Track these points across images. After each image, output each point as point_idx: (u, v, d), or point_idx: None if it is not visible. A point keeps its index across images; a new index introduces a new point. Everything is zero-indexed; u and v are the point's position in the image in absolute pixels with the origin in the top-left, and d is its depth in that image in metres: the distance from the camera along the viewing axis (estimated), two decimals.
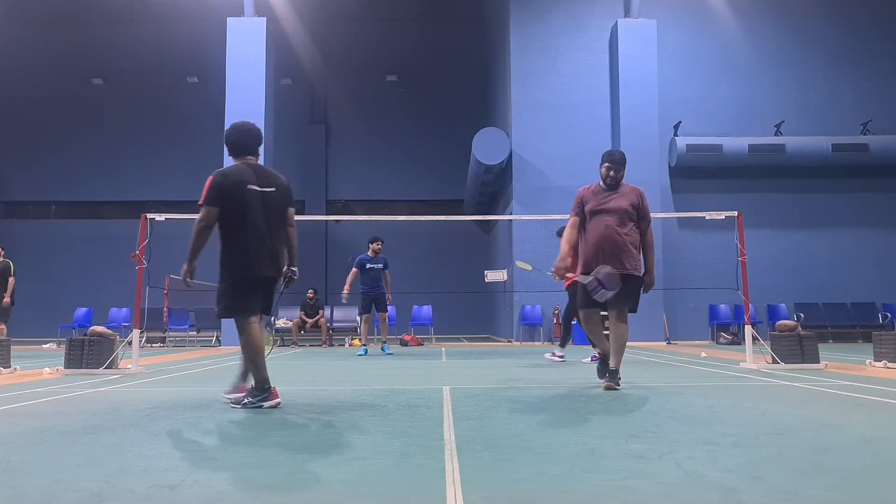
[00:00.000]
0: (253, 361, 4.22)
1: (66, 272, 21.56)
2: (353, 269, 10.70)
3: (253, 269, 4.25)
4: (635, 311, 5.25)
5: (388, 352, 10.85)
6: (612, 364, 5.17)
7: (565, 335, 8.67)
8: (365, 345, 10.83)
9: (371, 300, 10.65)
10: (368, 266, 10.60)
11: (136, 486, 2.21)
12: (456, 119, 21.70)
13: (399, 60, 22.67)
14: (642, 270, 5.25)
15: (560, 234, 9.14)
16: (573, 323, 8.39)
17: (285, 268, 4.41)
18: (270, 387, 4.24)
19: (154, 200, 20.82)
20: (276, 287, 4.45)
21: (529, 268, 9.56)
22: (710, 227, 10.60)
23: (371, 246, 10.65)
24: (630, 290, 5.17)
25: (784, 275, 15.83)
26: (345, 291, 10.59)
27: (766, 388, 5.16)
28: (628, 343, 5.46)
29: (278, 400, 4.22)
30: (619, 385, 5.10)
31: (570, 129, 15.36)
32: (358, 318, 10.93)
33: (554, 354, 8.52)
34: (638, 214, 5.26)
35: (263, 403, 4.16)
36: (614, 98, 15.32)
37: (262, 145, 4.59)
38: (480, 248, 21.26)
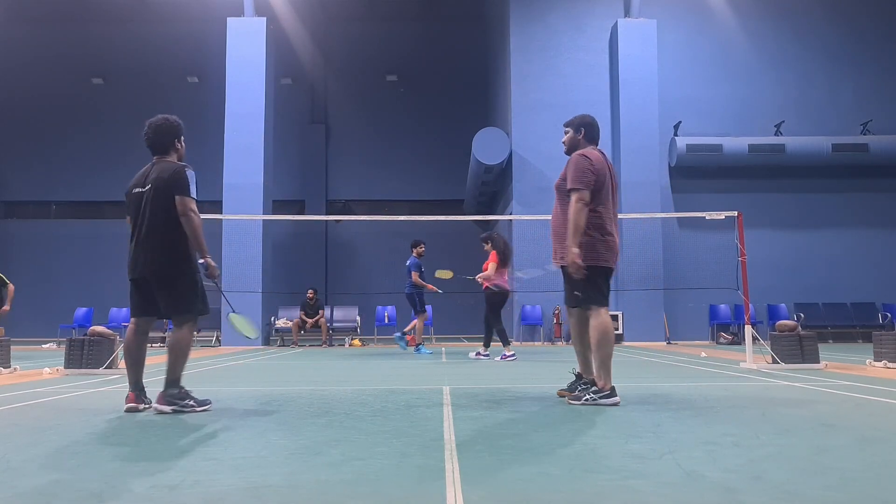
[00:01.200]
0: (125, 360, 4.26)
1: (66, 272, 21.57)
2: (417, 272, 10.90)
3: (128, 272, 4.21)
4: (591, 304, 4.32)
5: (426, 352, 10.95)
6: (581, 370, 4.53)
7: (488, 336, 9.45)
8: (420, 343, 11.10)
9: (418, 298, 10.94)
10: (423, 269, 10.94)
11: (136, 486, 2.21)
12: (456, 119, 21.69)
13: (399, 60, 22.67)
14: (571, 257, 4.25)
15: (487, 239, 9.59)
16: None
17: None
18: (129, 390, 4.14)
19: None
20: (163, 287, 4.14)
21: (450, 275, 9.61)
22: (710, 227, 10.61)
23: (419, 249, 11.01)
24: (569, 283, 4.48)
25: (784, 275, 15.83)
26: (434, 288, 10.88)
27: (766, 389, 5.16)
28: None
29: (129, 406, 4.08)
30: (578, 401, 4.24)
31: None
32: (413, 318, 11.24)
33: (479, 354, 9.34)
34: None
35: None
36: (614, 98, 15.33)
37: (177, 138, 4.42)
38: (480, 248, 21.20)
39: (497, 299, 9.35)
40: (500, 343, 9.38)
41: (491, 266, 9.36)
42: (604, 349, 4.23)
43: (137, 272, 4.14)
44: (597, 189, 4.33)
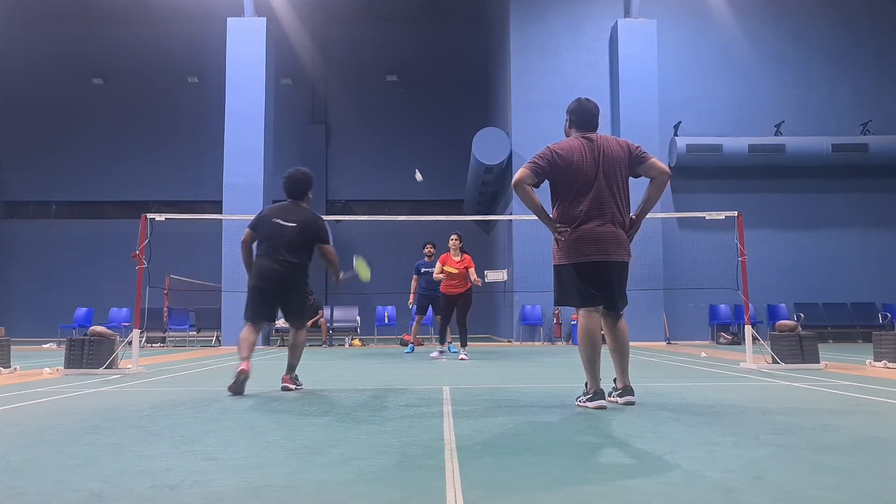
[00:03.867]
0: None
1: (66, 272, 21.58)
2: (414, 276, 10.94)
3: (257, 281, 5.48)
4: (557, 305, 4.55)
5: (453, 351, 10.85)
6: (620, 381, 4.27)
7: (443, 335, 9.93)
8: (413, 343, 11.38)
9: (428, 301, 10.87)
10: (424, 270, 10.83)
11: (136, 486, 2.21)
12: (456, 119, 21.71)
13: (399, 60, 22.68)
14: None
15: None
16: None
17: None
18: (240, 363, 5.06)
19: (154, 200, 20.85)
20: (290, 298, 5.44)
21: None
22: (710, 227, 10.59)
23: (424, 250, 10.96)
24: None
25: (784, 275, 15.83)
26: (410, 301, 11.13)
27: (766, 388, 5.16)
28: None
29: (240, 368, 4.96)
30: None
31: None
32: (413, 318, 11.35)
33: (439, 354, 9.59)
34: None
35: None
36: (614, 98, 15.32)
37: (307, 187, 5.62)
38: (480, 248, 21.25)
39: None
40: (439, 341, 9.91)
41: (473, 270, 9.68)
42: (582, 351, 4.15)
43: (272, 282, 5.34)
44: (558, 178, 4.09)
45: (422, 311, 11.04)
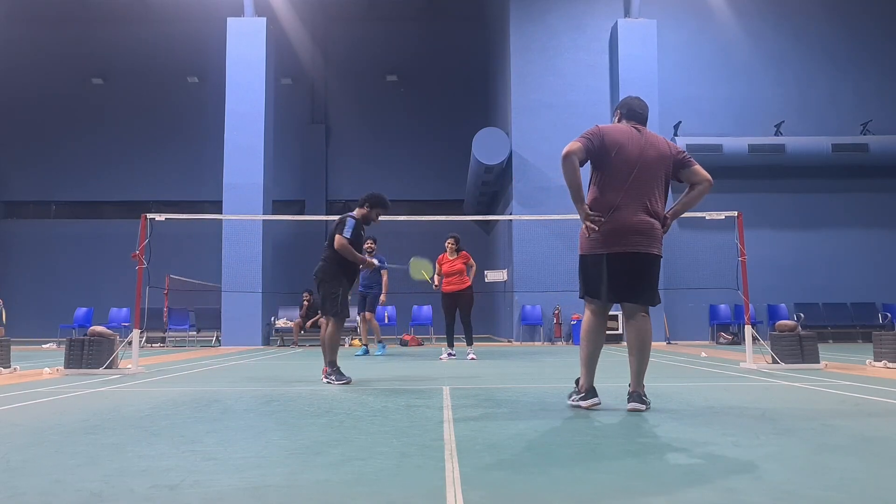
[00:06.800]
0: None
1: (66, 272, 21.57)
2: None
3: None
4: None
5: (380, 353, 10.82)
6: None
7: (450, 336, 9.73)
8: (365, 345, 10.85)
9: (363, 298, 10.73)
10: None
11: (136, 486, 2.21)
12: (456, 119, 21.70)
13: (399, 60, 22.68)
14: None
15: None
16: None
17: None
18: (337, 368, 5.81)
19: (154, 200, 20.85)
20: (321, 290, 6.00)
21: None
22: (710, 227, 10.58)
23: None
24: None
25: (784, 275, 15.83)
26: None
27: (766, 389, 5.16)
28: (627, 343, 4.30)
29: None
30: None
31: (570, 129, 15.33)
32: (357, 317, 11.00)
33: (447, 356, 9.38)
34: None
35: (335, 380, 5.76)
36: (614, 98, 15.32)
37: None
38: (481, 248, 21.25)
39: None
40: (448, 343, 9.74)
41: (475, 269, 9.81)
42: (583, 347, 4.03)
43: (315, 277, 6.03)
44: (601, 159, 3.93)
45: (360, 308, 10.76)
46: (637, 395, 3.93)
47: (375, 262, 6.00)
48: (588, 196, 4.00)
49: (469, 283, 9.66)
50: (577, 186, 3.86)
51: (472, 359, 9.05)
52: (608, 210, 3.87)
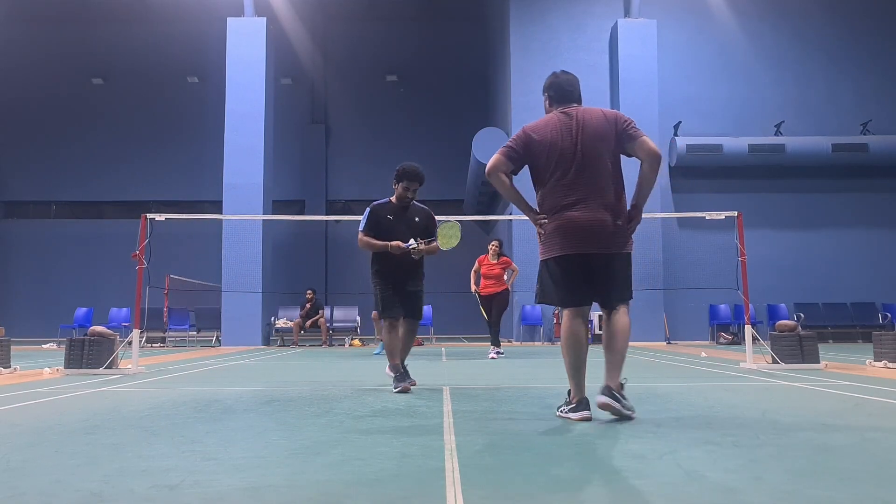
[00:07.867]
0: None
1: (66, 272, 21.56)
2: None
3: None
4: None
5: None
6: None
7: (494, 335, 9.88)
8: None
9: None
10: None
11: (136, 486, 2.21)
12: (456, 119, 21.69)
13: (399, 60, 22.67)
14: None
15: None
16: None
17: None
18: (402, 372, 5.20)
19: (154, 200, 20.83)
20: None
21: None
22: (710, 227, 10.59)
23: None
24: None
25: (784, 275, 15.83)
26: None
27: (766, 388, 5.16)
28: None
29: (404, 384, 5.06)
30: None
31: None
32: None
33: (497, 354, 9.54)
34: None
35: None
36: (614, 98, 15.32)
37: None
38: (480, 248, 21.25)
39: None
40: (493, 343, 9.92)
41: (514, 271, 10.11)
42: (565, 356, 3.76)
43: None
44: (535, 161, 3.66)
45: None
46: (608, 388, 3.54)
47: (401, 244, 5.30)
48: (538, 199, 3.75)
49: (506, 287, 9.94)
50: (517, 198, 3.71)
51: (493, 357, 9.28)
52: (556, 210, 3.61)
